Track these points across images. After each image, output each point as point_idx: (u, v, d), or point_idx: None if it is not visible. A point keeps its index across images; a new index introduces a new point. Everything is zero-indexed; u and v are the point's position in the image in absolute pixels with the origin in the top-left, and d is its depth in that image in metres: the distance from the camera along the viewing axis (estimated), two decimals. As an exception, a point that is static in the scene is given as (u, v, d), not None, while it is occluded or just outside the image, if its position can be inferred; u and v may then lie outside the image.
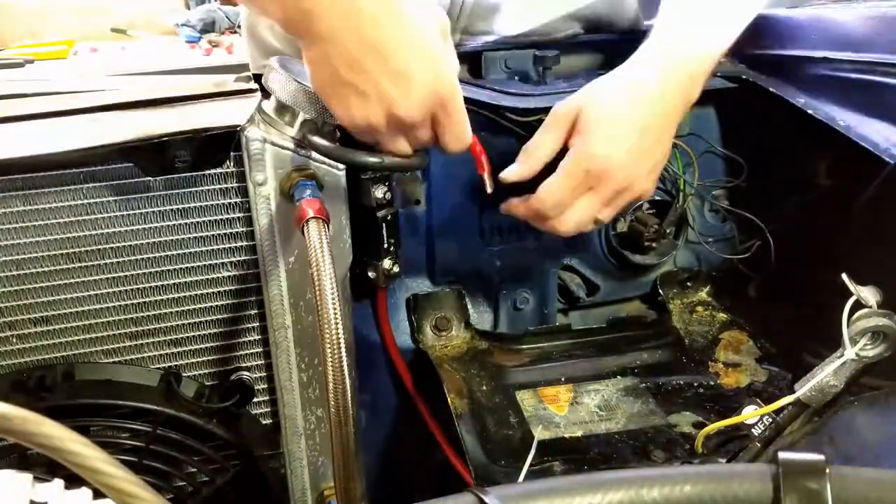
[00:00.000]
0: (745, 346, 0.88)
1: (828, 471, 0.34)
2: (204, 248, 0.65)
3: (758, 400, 0.68)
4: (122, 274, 0.64)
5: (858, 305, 0.58)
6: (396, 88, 0.56)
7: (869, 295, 0.58)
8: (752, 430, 0.66)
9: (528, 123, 0.83)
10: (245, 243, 0.65)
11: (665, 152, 0.74)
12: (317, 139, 0.59)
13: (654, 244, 0.87)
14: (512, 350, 0.90)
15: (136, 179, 0.61)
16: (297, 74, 0.60)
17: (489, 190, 0.73)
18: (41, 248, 0.61)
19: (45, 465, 0.61)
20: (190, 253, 0.65)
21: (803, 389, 0.61)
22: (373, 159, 0.60)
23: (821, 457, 0.35)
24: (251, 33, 0.94)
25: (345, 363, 0.50)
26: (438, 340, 0.90)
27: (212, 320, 0.68)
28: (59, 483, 0.38)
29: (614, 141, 0.70)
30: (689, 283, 0.94)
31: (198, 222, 0.64)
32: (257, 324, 0.69)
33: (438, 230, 0.89)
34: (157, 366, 0.69)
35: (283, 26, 0.56)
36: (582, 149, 0.70)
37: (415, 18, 0.56)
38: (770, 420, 0.64)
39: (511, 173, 0.75)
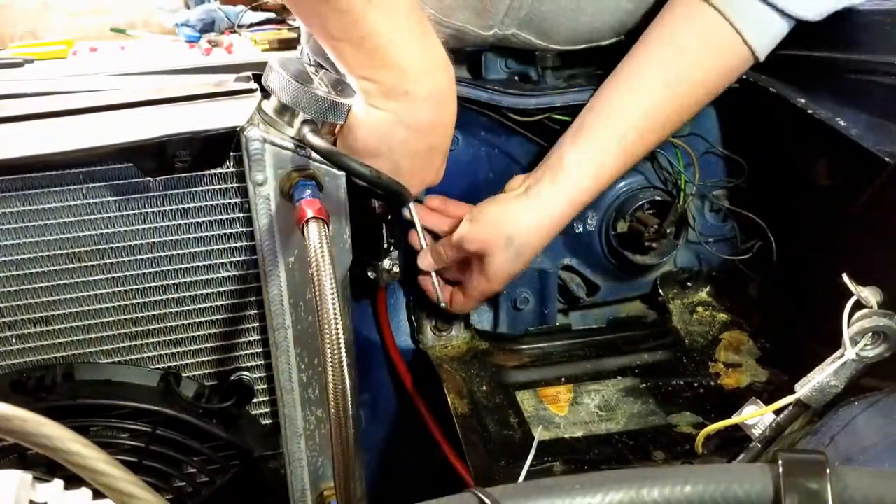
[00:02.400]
0: (746, 346, 0.88)
1: (828, 471, 0.34)
2: (204, 249, 0.65)
3: (758, 400, 0.68)
4: (121, 274, 0.64)
5: (859, 306, 0.58)
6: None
7: (869, 295, 0.58)
8: (753, 431, 0.66)
9: (528, 123, 0.83)
10: (245, 243, 0.65)
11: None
12: (316, 140, 0.59)
13: (654, 244, 0.87)
14: (512, 350, 0.90)
15: (136, 179, 0.61)
16: (296, 74, 0.60)
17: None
18: (41, 248, 0.61)
19: (45, 465, 0.61)
20: (190, 253, 0.65)
21: (804, 390, 0.61)
22: (369, 171, 0.60)
23: (821, 457, 0.35)
24: None
25: (345, 363, 0.50)
26: (438, 341, 0.90)
27: (211, 320, 0.68)
28: (58, 483, 0.38)
29: (503, 270, 0.78)
30: (689, 284, 0.94)
31: (197, 222, 0.64)
32: (257, 324, 0.69)
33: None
34: (157, 366, 0.69)
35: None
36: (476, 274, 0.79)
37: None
38: (770, 420, 0.64)
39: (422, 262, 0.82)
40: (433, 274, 0.82)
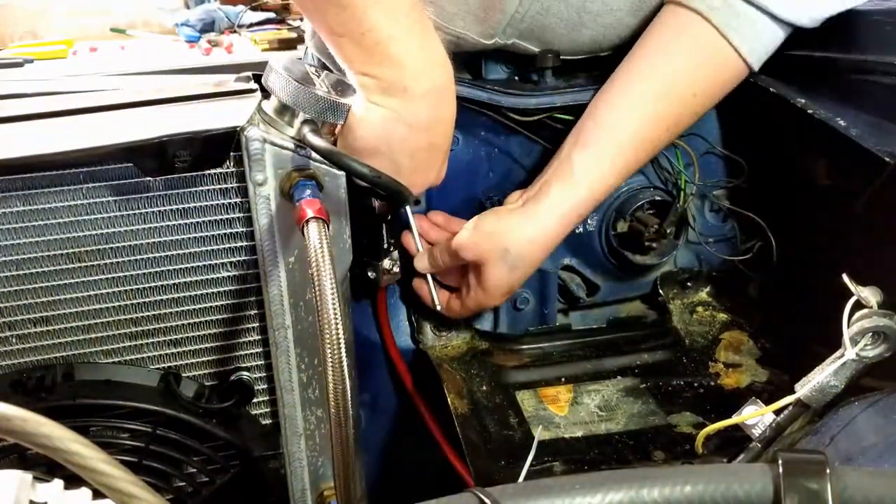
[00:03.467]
0: (746, 346, 0.88)
1: (828, 471, 0.34)
2: (204, 249, 0.65)
3: (758, 400, 0.68)
4: (121, 274, 0.64)
5: (859, 306, 0.58)
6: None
7: (869, 295, 0.58)
8: (753, 431, 0.66)
9: (528, 123, 0.83)
10: (245, 243, 0.65)
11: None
12: (316, 139, 0.59)
13: (654, 244, 0.87)
14: (512, 350, 0.90)
15: (136, 179, 0.61)
16: (297, 74, 0.60)
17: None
18: (41, 248, 0.61)
19: (45, 465, 0.61)
20: (190, 253, 0.65)
21: (804, 390, 0.61)
22: (369, 171, 0.60)
23: (821, 457, 0.35)
24: None
25: (345, 363, 0.50)
26: (438, 341, 0.89)
27: (211, 320, 0.68)
28: (58, 483, 0.38)
29: (500, 281, 0.77)
30: (689, 284, 0.94)
31: (197, 222, 0.64)
32: (257, 324, 0.69)
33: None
34: (157, 366, 0.69)
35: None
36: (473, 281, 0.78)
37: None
38: (770, 420, 0.64)
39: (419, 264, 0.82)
40: (429, 277, 0.81)
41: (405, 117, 0.62)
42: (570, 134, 0.78)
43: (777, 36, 0.73)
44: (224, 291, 0.67)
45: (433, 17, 0.75)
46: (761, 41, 0.73)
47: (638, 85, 0.75)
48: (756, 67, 0.74)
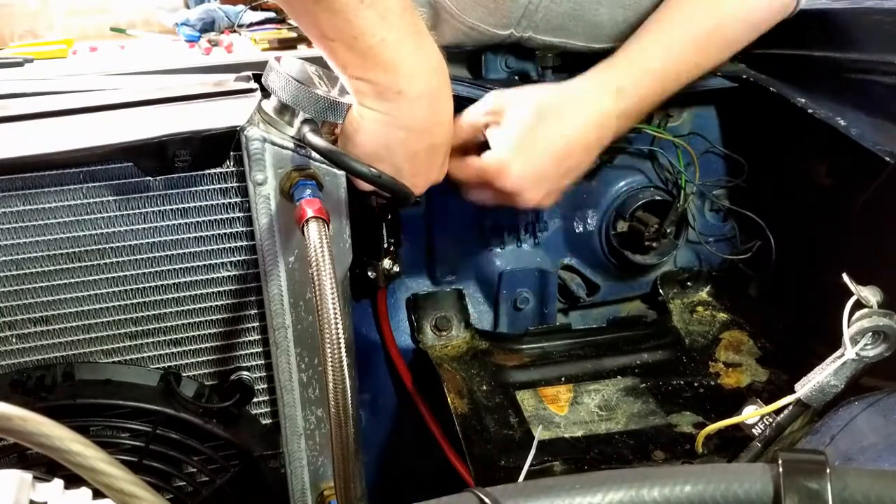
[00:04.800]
0: (746, 346, 0.88)
1: (828, 470, 0.34)
2: (204, 248, 0.65)
3: (758, 400, 0.68)
4: (121, 274, 0.64)
5: (859, 305, 0.58)
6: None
7: (869, 295, 0.58)
8: (753, 431, 0.66)
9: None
10: (245, 243, 0.65)
11: (574, 179, 0.75)
12: (316, 139, 0.59)
13: (654, 244, 0.87)
14: (512, 350, 0.90)
15: (136, 179, 0.61)
16: (296, 74, 0.60)
17: None
18: (41, 248, 0.61)
19: (45, 465, 0.61)
20: (190, 253, 0.65)
21: (804, 389, 0.61)
22: (369, 170, 0.60)
23: (821, 457, 0.35)
24: None
25: (345, 363, 0.50)
26: (438, 340, 0.90)
27: (211, 320, 0.68)
28: (58, 483, 0.38)
29: (523, 158, 0.71)
30: (689, 283, 0.94)
31: (197, 222, 0.64)
32: (257, 324, 0.69)
33: (438, 230, 0.89)
34: (157, 366, 0.69)
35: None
36: (490, 153, 0.72)
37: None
38: (770, 420, 0.64)
39: None
40: None
41: (402, 121, 0.61)
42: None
43: None
44: (224, 291, 0.67)
45: (451, 5, 0.76)
46: None
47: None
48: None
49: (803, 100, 0.74)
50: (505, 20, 0.77)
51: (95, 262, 0.63)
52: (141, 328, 0.67)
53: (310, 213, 0.55)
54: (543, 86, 0.74)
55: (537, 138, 0.71)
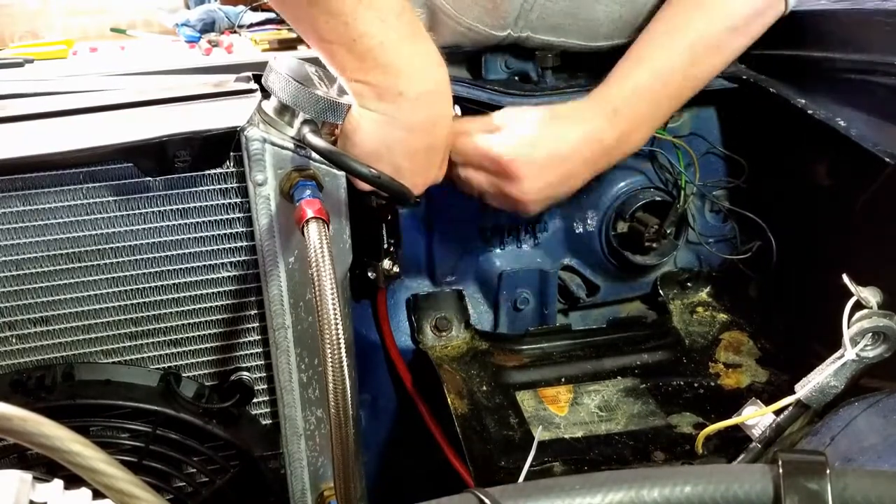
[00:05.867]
0: (746, 346, 0.88)
1: (828, 471, 0.34)
2: (204, 249, 0.65)
3: (758, 400, 0.68)
4: (121, 274, 0.64)
5: (859, 306, 0.58)
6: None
7: (869, 296, 0.58)
8: (753, 431, 0.66)
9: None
10: (245, 243, 0.65)
11: (569, 189, 0.77)
12: (316, 140, 0.59)
13: (654, 244, 0.87)
14: (512, 350, 0.90)
15: (136, 179, 0.61)
16: (296, 74, 0.60)
17: None
18: (41, 248, 0.61)
19: (45, 466, 0.61)
20: (190, 253, 0.65)
21: (804, 390, 0.61)
22: (368, 171, 0.60)
23: (821, 457, 0.35)
24: None
25: (345, 363, 0.50)
26: (438, 341, 0.89)
27: (211, 320, 0.68)
28: (58, 483, 0.38)
29: (529, 149, 0.73)
30: (689, 284, 0.94)
31: (197, 222, 0.64)
32: (257, 324, 0.69)
33: (438, 230, 0.89)
34: (157, 366, 0.69)
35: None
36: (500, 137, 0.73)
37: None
38: (770, 421, 0.64)
39: None
40: None
41: (401, 121, 0.62)
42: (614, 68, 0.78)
43: None
44: (224, 291, 0.67)
45: (448, 6, 0.76)
46: None
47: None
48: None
49: (803, 100, 0.74)
50: (502, 20, 0.77)
51: (95, 263, 0.63)
52: (141, 328, 0.67)
53: (310, 213, 0.55)
54: (543, 107, 0.76)
55: (542, 136, 0.73)
